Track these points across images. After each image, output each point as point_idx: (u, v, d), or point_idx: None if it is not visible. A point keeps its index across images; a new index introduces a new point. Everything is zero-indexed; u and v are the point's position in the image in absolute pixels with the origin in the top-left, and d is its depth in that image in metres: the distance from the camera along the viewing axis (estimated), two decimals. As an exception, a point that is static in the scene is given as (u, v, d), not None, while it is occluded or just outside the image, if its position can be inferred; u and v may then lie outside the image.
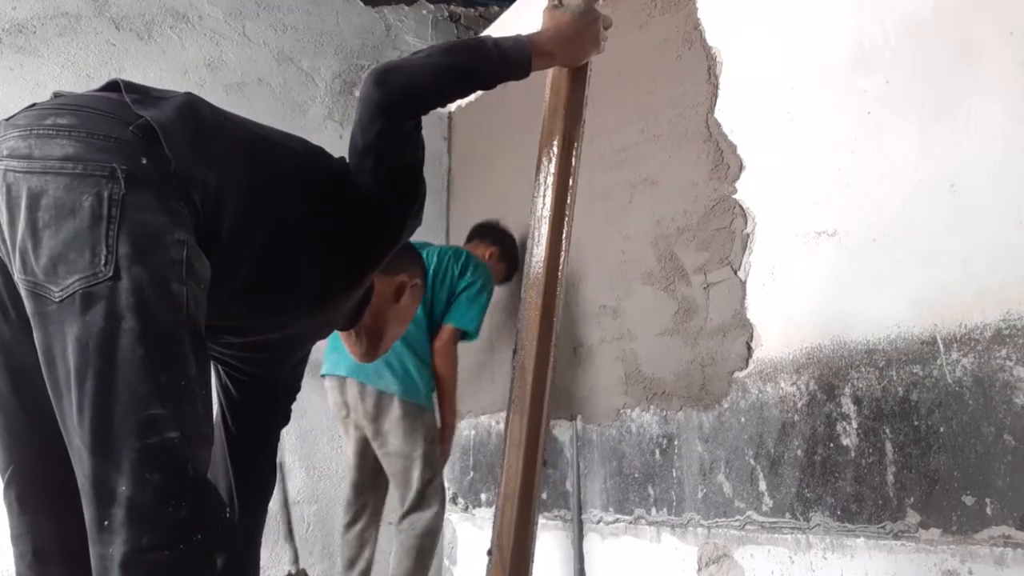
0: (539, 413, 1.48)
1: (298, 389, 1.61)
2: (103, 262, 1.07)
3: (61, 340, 1.07)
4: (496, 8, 4.03)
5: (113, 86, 1.23)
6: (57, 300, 1.07)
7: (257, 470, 1.58)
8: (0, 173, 1.11)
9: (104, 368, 1.06)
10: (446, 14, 4.13)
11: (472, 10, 4.15)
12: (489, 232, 3.23)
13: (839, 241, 2.00)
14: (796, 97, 2.13)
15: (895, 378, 1.85)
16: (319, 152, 1.44)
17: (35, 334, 1.10)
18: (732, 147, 2.30)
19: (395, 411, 2.82)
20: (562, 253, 1.56)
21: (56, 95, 1.24)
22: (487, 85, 1.49)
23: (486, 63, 1.46)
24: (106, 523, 1.04)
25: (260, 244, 1.28)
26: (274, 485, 1.62)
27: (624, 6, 2.62)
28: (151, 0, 3.59)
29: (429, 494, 2.83)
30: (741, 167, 2.27)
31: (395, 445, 2.83)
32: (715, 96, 2.36)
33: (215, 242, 1.20)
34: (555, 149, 1.66)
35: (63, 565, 1.22)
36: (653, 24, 2.60)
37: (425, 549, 2.83)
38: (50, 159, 1.10)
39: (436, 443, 2.89)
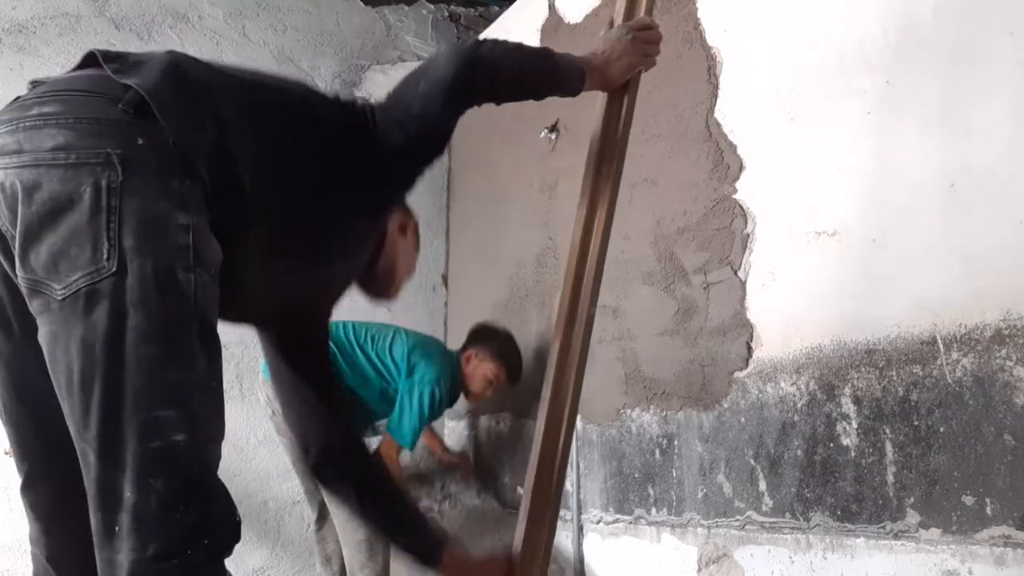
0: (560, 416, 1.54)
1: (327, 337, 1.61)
2: (106, 256, 1.02)
3: (65, 341, 1.03)
4: (496, 8, 4.03)
5: (90, 59, 1.17)
6: (59, 298, 1.03)
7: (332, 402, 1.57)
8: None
9: (110, 370, 1.02)
10: (446, 14, 4.13)
11: (472, 10, 4.15)
12: (492, 340, 3.08)
13: (839, 241, 2.00)
14: (796, 97, 2.13)
15: (895, 378, 1.85)
16: (322, 94, 1.39)
17: (39, 332, 1.06)
18: (732, 147, 2.30)
19: None
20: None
21: (34, 83, 1.18)
22: (542, 97, 1.53)
23: (555, 77, 1.50)
24: (116, 529, 1.01)
25: (281, 195, 1.24)
26: (349, 411, 1.67)
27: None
28: (151, 0, 3.60)
29: None
30: (741, 167, 2.27)
31: None
32: (715, 96, 2.36)
33: (234, 206, 1.15)
34: (609, 160, 1.77)
35: (77, 570, 1.21)
36: (653, 24, 2.60)
37: (370, 542, 2.73)
38: (41, 151, 1.05)
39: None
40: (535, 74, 1.47)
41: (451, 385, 2.96)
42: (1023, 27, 1.65)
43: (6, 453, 3.56)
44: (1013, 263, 1.63)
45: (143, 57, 1.16)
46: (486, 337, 3.07)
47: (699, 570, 2.33)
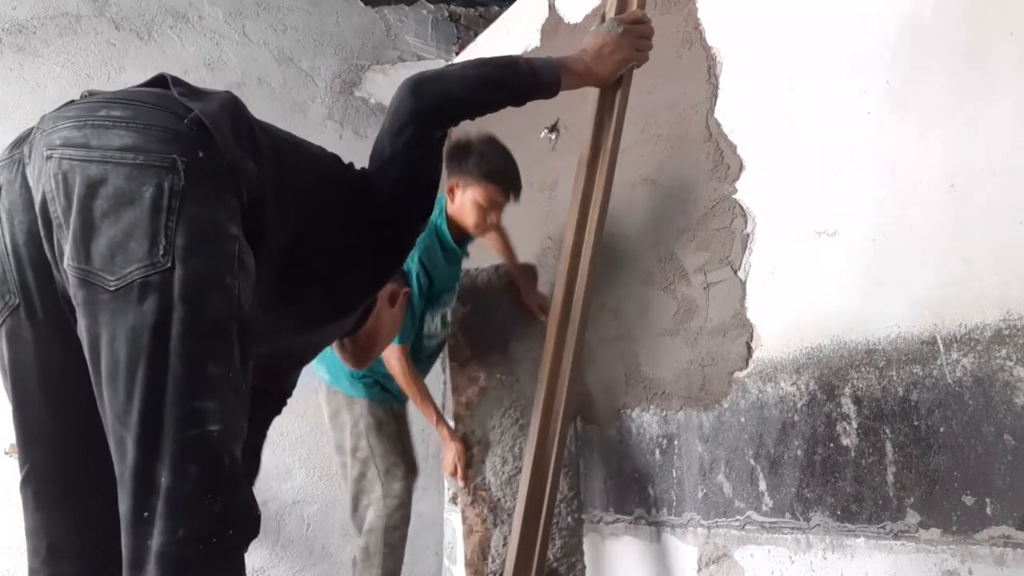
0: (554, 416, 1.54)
1: (291, 392, 1.64)
2: (161, 252, 1.08)
3: (111, 329, 1.07)
4: (496, 8, 4.03)
5: (159, 81, 1.25)
6: (112, 289, 1.07)
7: (250, 458, 1.55)
8: (55, 161, 1.11)
9: (155, 358, 1.07)
10: (446, 14, 4.13)
11: (472, 10, 4.15)
12: (467, 157, 2.52)
13: (839, 241, 2.00)
14: (796, 97, 2.13)
15: (895, 378, 1.85)
16: (337, 158, 1.46)
17: (81, 322, 1.10)
18: (732, 147, 2.30)
19: (323, 401, 2.74)
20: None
21: (91, 93, 1.23)
22: (517, 101, 1.55)
23: (518, 79, 1.51)
24: (145, 514, 1.05)
25: (290, 246, 1.30)
26: (258, 472, 1.60)
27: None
28: (151, 0, 3.60)
29: (362, 490, 2.66)
30: (741, 167, 2.27)
31: (332, 438, 2.76)
32: (715, 96, 2.36)
33: (254, 240, 1.21)
34: (601, 158, 1.78)
35: (76, 562, 1.23)
36: (653, 24, 2.60)
37: (367, 547, 2.63)
38: (109, 148, 1.10)
39: (369, 435, 2.65)
40: (494, 85, 1.50)
41: (428, 253, 2.55)
42: (1023, 27, 1.65)
43: (6, 453, 3.55)
44: (1013, 263, 1.63)
45: (207, 91, 1.26)
46: (459, 156, 2.52)
47: (699, 570, 2.33)
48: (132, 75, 3.28)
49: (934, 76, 1.80)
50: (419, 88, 1.40)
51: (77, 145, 1.11)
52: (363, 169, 1.45)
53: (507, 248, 2.92)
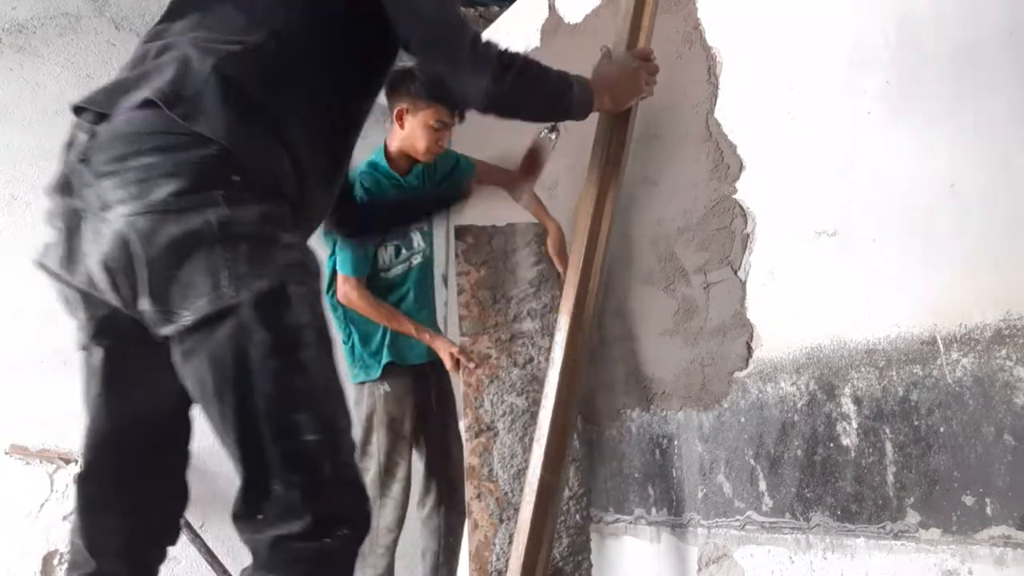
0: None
1: None
2: (225, 284, 1.14)
3: (198, 359, 1.16)
4: (496, 8, 4.02)
5: (147, 102, 1.22)
6: (189, 324, 1.15)
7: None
8: (111, 224, 1.16)
9: (241, 381, 1.14)
10: (446, 14, 4.12)
11: (472, 10, 4.15)
12: (411, 81, 2.54)
13: (839, 241, 2.00)
14: (796, 97, 2.13)
15: (895, 378, 1.85)
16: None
17: (172, 353, 1.19)
18: (732, 147, 2.30)
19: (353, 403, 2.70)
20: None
21: (100, 115, 1.23)
22: (554, 118, 1.76)
23: (566, 99, 1.63)
24: (259, 517, 1.15)
25: (328, 141, 1.36)
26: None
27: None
28: (151, 0, 3.59)
29: (379, 484, 2.62)
30: (741, 167, 2.27)
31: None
32: (715, 96, 2.36)
33: (296, 185, 1.27)
34: (602, 180, 1.89)
35: (114, 562, 1.31)
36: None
37: (364, 554, 2.56)
38: (154, 201, 1.15)
39: (379, 431, 2.62)
40: (551, 105, 1.62)
41: (373, 180, 2.57)
42: (1023, 27, 1.65)
43: (6, 453, 3.53)
44: (1013, 263, 1.63)
45: (195, 85, 1.22)
46: (404, 82, 2.54)
47: (699, 570, 2.33)
48: (132, 75, 3.27)
49: (934, 76, 1.80)
50: (503, 78, 1.45)
51: (124, 202, 1.16)
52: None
53: (540, 206, 2.84)
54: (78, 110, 1.27)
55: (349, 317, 2.68)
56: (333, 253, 2.64)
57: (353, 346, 2.69)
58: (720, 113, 2.35)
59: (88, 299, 1.28)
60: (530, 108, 1.61)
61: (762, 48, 2.24)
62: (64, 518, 2.99)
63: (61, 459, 3.15)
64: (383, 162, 2.64)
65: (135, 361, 1.30)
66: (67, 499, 3.05)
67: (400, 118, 2.59)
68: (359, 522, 1.20)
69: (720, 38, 2.38)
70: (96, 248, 1.19)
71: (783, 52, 2.18)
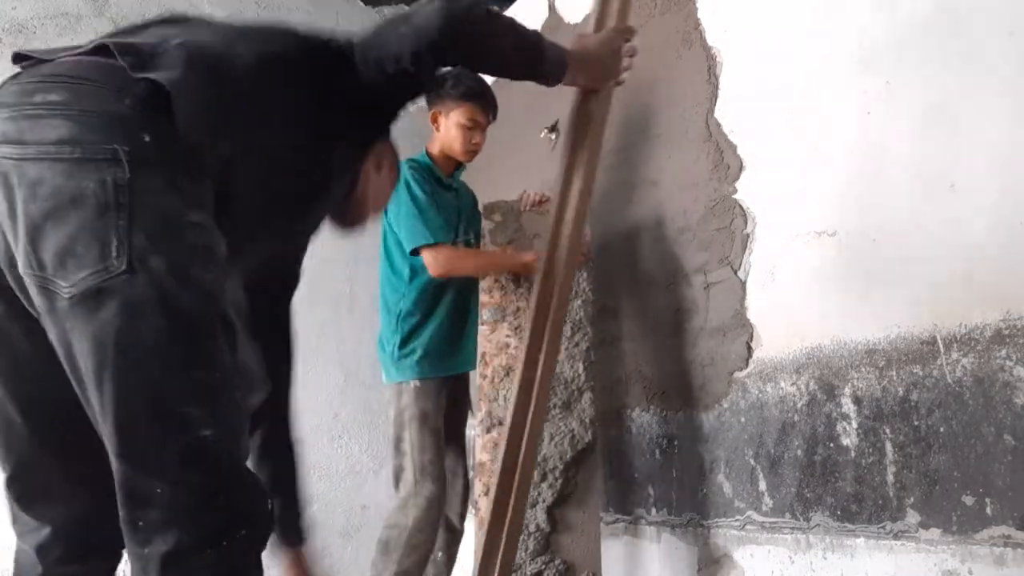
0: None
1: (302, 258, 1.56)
2: (115, 255, 1.00)
3: (77, 338, 1.01)
4: (496, 8, 4.02)
5: (101, 49, 1.12)
6: (67, 297, 1.00)
7: (275, 331, 1.50)
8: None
9: (125, 368, 1.00)
10: (446, 14, 4.13)
11: (472, 10, 4.15)
12: (441, 84, 2.60)
13: (839, 241, 2.00)
14: (796, 97, 2.13)
15: (895, 378, 1.85)
16: (304, 37, 1.33)
17: (49, 332, 1.04)
18: (732, 147, 2.30)
19: (385, 402, 2.69)
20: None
21: (38, 60, 1.12)
22: (520, 74, 1.50)
23: (535, 53, 1.46)
24: (140, 523, 1.01)
25: (270, 161, 1.22)
26: (291, 356, 1.54)
27: (624, 6, 2.62)
28: (151, 0, 3.60)
29: (397, 484, 2.58)
30: (741, 167, 2.27)
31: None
32: (715, 96, 2.36)
33: (236, 174, 1.15)
34: (579, 166, 1.79)
35: (65, 560, 1.21)
36: (653, 24, 2.60)
37: (387, 542, 2.53)
38: (44, 143, 1.01)
39: (411, 427, 2.57)
40: (519, 56, 1.45)
41: (421, 174, 2.57)
42: (1023, 27, 1.65)
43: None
44: (1013, 263, 1.63)
45: (157, 46, 1.12)
46: (434, 85, 2.59)
47: (699, 570, 2.33)
48: (132, 75, 3.28)
49: (934, 76, 1.80)
50: (458, 31, 1.30)
51: (13, 141, 1.02)
52: (348, 42, 1.33)
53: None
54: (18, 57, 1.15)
55: (433, 306, 2.59)
56: (388, 254, 2.62)
57: (381, 343, 2.63)
58: (720, 113, 2.35)
59: None
60: (496, 49, 1.41)
61: (762, 48, 2.24)
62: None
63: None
64: (427, 160, 2.65)
65: (31, 335, 1.11)
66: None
67: (435, 121, 2.64)
68: (259, 520, 1.07)
69: (720, 38, 2.38)
70: None
71: (783, 52, 2.18)
